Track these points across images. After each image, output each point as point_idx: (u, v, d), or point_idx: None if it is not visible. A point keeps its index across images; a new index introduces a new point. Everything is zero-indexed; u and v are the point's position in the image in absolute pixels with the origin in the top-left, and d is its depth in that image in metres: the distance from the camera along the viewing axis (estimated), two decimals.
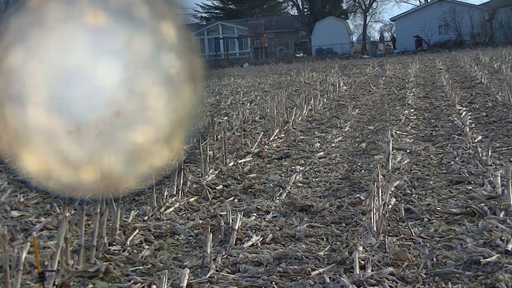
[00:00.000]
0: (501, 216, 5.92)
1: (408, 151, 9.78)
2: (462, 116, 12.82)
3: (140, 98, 1.47)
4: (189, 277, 4.68)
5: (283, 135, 12.54)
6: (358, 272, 4.61)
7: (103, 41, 1.44)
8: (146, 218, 6.60)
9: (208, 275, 4.80)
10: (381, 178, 7.08)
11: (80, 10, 1.42)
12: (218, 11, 74.60)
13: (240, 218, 5.94)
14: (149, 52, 1.46)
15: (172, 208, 7.01)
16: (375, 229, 5.49)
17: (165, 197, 7.26)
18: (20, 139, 1.47)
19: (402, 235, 5.52)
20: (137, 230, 6.11)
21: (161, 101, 1.50)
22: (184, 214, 6.91)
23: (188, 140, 1.56)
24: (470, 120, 12.17)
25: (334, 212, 6.57)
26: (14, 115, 1.47)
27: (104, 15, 1.42)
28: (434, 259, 4.91)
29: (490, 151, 8.68)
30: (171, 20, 1.45)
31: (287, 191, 7.57)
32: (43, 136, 1.47)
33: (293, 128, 13.30)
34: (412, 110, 14.91)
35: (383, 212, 5.68)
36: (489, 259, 4.72)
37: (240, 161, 9.73)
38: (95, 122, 1.42)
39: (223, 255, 5.22)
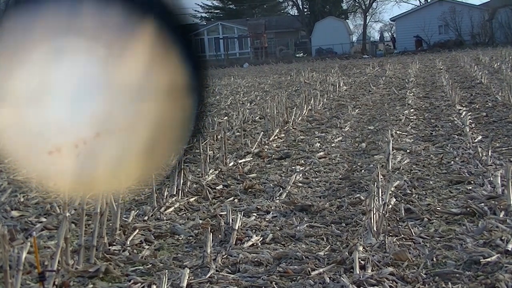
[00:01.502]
0: (501, 216, 5.92)
1: (408, 151, 9.79)
2: (462, 116, 12.83)
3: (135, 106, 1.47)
4: (189, 277, 4.68)
5: (283, 135, 12.54)
6: (358, 272, 4.62)
7: (89, 54, 1.44)
8: (146, 218, 6.60)
9: (208, 275, 4.80)
10: (381, 178, 7.08)
11: (64, 26, 1.42)
12: (218, 11, 74.63)
13: (240, 218, 5.94)
14: (140, 61, 1.46)
15: (172, 208, 7.01)
16: (375, 229, 5.49)
17: (165, 197, 7.26)
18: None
19: (402, 235, 5.52)
20: (137, 230, 6.11)
21: (155, 110, 1.50)
22: (184, 214, 6.91)
23: (187, 141, 1.56)
24: (470, 120, 12.18)
25: (334, 212, 6.57)
26: None
27: (91, 28, 1.42)
28: (434, 259, 4.91)
29: (490, 151, 8.68)
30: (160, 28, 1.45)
31: (287, 191, 7.57)
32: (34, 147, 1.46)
33: (293, 128, 13.30)
34: (412, 110, 14.92)
35: (383, 212, 5.68)
36: (489, 259, 4.72)
37: (240, 161, 9.74)
38: (85, 140, 1.42)
39: (223, 255, 5.22)
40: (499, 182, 7.01)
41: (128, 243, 5.78)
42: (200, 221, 6.42)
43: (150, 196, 7.09)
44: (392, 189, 6.87)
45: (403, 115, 13.92)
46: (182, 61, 1.46)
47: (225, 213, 6.16)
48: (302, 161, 9.70)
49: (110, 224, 5.93)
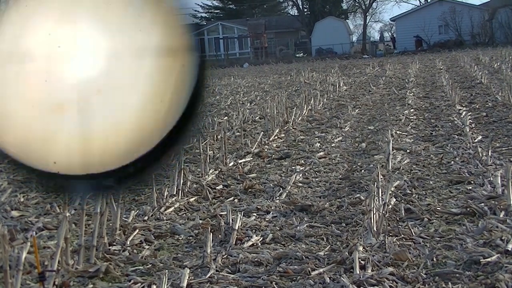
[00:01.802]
0: (501, 216, 5.92)
1: (408, 151, 9.79)
2: (462, 116, 12.83)
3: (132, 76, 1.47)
4: (189, 277, 4.68)
5: (283, 135, 12.54)
6: (358, 272, 4.62)
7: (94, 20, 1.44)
8: (146, 218, 6.60)
9: (208, 275, 4.80)
10: (381, 178, 7.08)
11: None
12: (218, 11, 74.64)
13: (240, 218, 5.94)
14: (141, 34, 1.45)
15: (172, 208, 7.01)
16: (375, 229, 5.49)
17: (165, 197, 7.26)
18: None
19: (402, 235, 5.52)
20: (137, 230, 6.11)
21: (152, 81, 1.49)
22: (184, 214, 6.91)
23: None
24: (470, 120, 12.17)
25: (334, 212, 6.57)
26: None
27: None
28: (434, 259, 4.91)
29: (490, 151, 8.68)
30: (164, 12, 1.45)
31: (287, 191, 7.57)
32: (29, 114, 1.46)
33: (293, 128, 13.30)
34: (412, 110, 14.92)
35: (383, 212, 5.69)
36: (489, 259, 4.72)
37: (240, 161, 9.74)
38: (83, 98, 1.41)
39: (223, 255, 5.22)
40: (499, 182, 7.01)
41: (128, 243, 5.78)
42: (200, 221, 6.42)
43: (150, 196, 7.09)
44: (392, 189, 6.87)
45: (403, 115, 13.92)
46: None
47: (225, 213, 6.16)
48: (302, 161, 9.70)
49: (110, 224, 5.94)
